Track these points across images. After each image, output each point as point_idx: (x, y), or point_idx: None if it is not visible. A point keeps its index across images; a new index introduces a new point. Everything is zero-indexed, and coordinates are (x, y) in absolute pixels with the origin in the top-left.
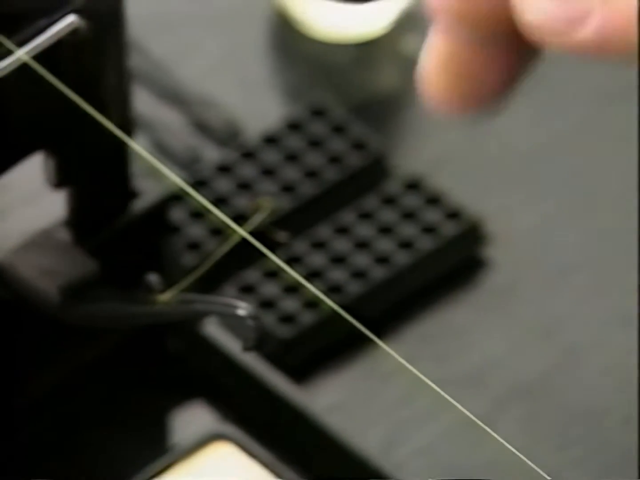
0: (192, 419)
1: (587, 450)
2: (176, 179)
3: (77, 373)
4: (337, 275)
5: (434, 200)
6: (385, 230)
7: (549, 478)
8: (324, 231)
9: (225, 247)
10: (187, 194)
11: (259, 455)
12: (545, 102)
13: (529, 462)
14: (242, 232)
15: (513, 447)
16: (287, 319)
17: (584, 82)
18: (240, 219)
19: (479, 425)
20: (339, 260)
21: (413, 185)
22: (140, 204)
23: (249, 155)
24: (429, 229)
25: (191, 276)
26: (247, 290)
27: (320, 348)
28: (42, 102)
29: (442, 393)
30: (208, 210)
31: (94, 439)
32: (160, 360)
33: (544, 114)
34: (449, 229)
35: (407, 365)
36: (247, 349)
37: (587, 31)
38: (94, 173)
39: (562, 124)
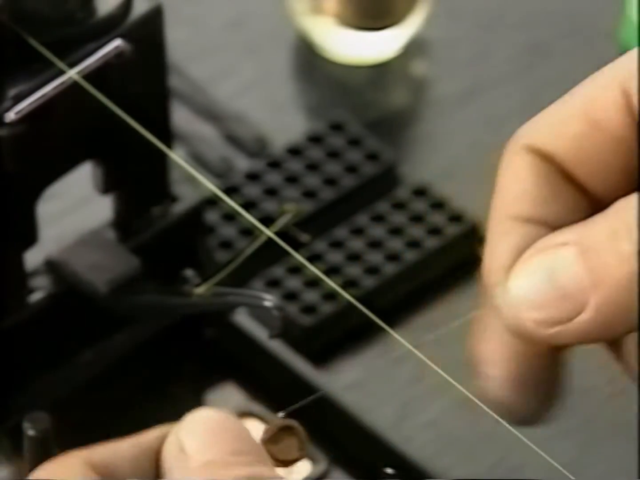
0: (224, 398)
1: (575, 422)
2: (210, 185)
3: (124, 358)
4: (353, 270)
5: (439, 204)
6: (396, 231)
7: (538, 450)
8: (341, 232)
9: (254, 246)
10: (220, 198)
11: None
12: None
13: (519, 435)
14: (268, 232)
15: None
16: (309, 309)
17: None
18: (267, 221)
19: (477, 402)
20: (354, 257)
21: (420, 192)
22: (178, 208)
23: (275, 164)
24: (434, 230)
25: (224, 271)
26: (273, 284)
27: (338, 335)
28: (91, 117)
29: (445, 375)
30: (239, 213)
31: (138, 416)
32: (197, 346)
33: None
34: (452, 230)
35: (415, 350)
36: (273, 336)
37: (585, 318)
38: (137, 180)
39: None
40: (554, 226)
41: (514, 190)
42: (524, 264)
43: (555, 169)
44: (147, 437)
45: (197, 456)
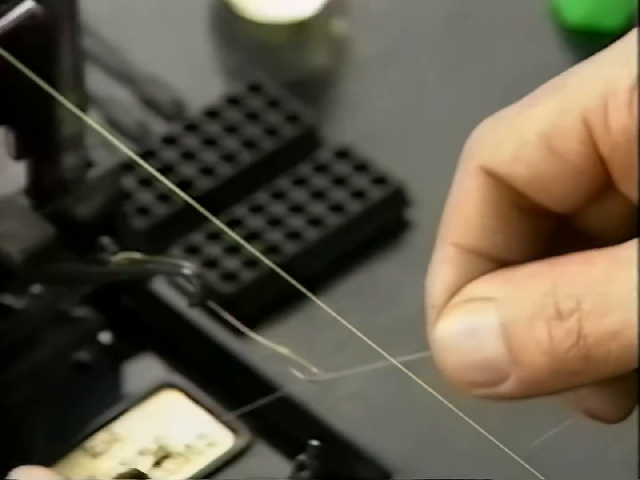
0: (143, 369)
1: None
2: (126, 150)
3: (37, 328)
4: (274, 236)
5: (361, 167)
6: (318, 195)
7: (468, 419)
8: (261, 196)
9: (172, 211)
10: (136, 163)
11: (204, 402)
12: (465, 78)
13: (449, 405)
14: (187, 197)
15: (437, 391)
16: (229, 276)
17: (506, 54)
18: (185, 185)
19: (405, 372)
20: (275, 222)
21: (342, 154)
22: (94, 173)
23: (192, 127)
24: (357, 194)
25: (141, 238)
26: (192, 251)
27: (260, 303)
28: (3, 81)
29: (370, 343)
30: (156, 178)
31: (53, 385)
32: (114, 316)
33: (467, 84)
34: (376, 193)
35: (339, 318)
36: (192, 304)
37: (508, 387)
38: (51, 145)
39: (485, 94)
40: (499, 259)
41: (461, 216)
42: (451, 310)
43: (510, 194)
44: None
45: None
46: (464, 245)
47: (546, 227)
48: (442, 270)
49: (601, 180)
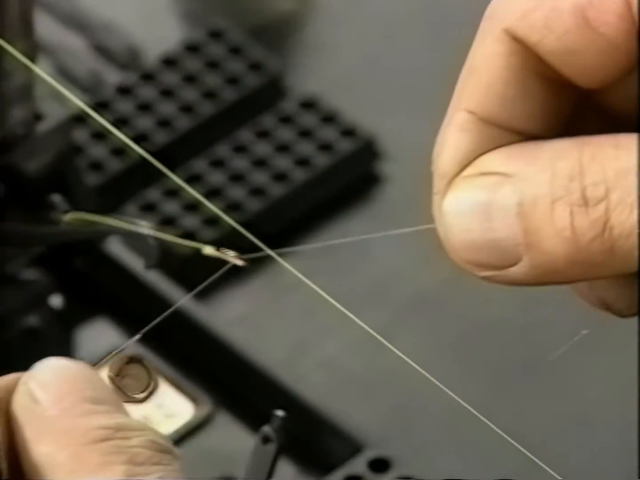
0: (97, 334)
1: (483, 361)
2: (77, 101)
3: None
4: (236, 192)
5: (329, 118)
6: (283, 148)
7: (445, 389)
8: (222, 150)
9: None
10: (89, 115)
11: (162, 370)
12: (438, 23)
13: (426, 373)
14: (142, 151)
15: (412, 359)
16: (188, 236)
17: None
18: (140, 139)
19: (377, 338)
20: (237, 178)
21: (309, 105)
22: (43, 126)
23: (148, 77)
24: (325, 147)
25: (94, 196)
26: (148, 209)
27: (221, 265)
28: None
29: (340, 307)
30: (109, 132)
31: (1, 353)
32: (66, 279)
33: (438, 35)
34: (345, 146)
35: (306, 280)
36: (149, 266)
37: (518, 272)
38: None
39: (455, 45)
40: (516, 132)
41: (480, 81)
42: (462, 182)
43: (535, 63)
44: None
45: (52, 405)
46: (480, 112)
47: (569, 102)
48: (454, 137)
49: (633, 58)
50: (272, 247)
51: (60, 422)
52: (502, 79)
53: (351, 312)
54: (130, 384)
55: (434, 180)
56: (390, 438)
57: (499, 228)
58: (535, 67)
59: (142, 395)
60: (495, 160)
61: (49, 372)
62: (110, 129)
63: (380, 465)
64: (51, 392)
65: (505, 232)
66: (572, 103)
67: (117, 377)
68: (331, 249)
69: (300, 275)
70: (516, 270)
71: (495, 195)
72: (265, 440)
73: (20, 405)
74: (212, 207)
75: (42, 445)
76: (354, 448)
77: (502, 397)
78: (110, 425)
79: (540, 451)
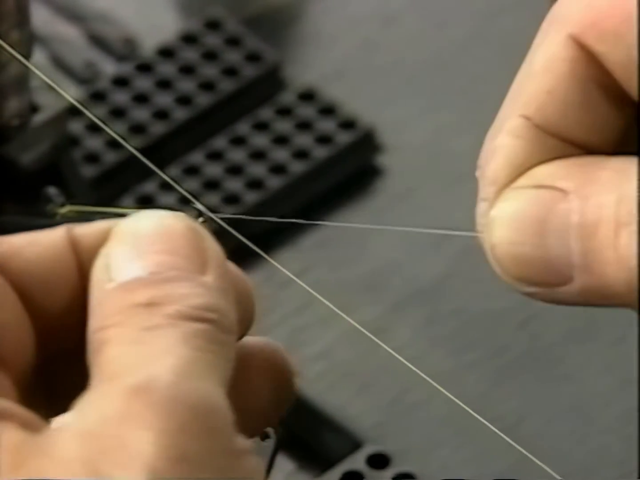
0: None
1: (482, 354)
2: (69, 97)
3: None
4: (233, 185)
5: (328, 110)
6: (281, 140)
7: (435, 384)
8: (219, 142)
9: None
10: (85, 108)
11: None
12: (437, 13)
13: (416, 369)
14: (131, 148)
15: (410, 351)
16: None
17: None
18: (137, 130)
19: (374, 332)
20: (235, 170)
21: (307, 96)
22: (39, 118)
23: (144, 68)
24: (323, 139)
25: (90, 188)
26: (144, 202)
27: None
28: None
29: (330, 305)
30: (105, 124)
31: None
32: None
33: (437, 25)
34: (344, 138)
35: (296, 279)
36: None
37: (569, 292)
38: None
39: (454, 35)
40: (574, 143)
41: (539, 87)
42: (515, 193)
43: (600, 74)
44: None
45: (119, 272)
46: (537, 119)
47: (627, 117)
48: (506, 143)
49: None
50: (270, 240)
51: (116, 297)
52: (564, 86)
53: (350, 304)
54: None
55: (481, 186)
56: (389, 434)
57: (554, 246)
58: (598, 77)
59: None
60: (553, 173)
61: (138, 229)
62: (100, 124)
63: (379, 461)
64: (126, 253)
65: (560, 250)
66: (629, 118)
67: None
68: (329, 240)
69: (288, 273)
70: (566, 290)
71: (552, 211)
72: (264, 436)
73: (94, 269)
74: (209, 200)
75: (93, 319)
76: (352, 444)
77: (500, 391)
78: (199, 305)
79: (538, 447)
